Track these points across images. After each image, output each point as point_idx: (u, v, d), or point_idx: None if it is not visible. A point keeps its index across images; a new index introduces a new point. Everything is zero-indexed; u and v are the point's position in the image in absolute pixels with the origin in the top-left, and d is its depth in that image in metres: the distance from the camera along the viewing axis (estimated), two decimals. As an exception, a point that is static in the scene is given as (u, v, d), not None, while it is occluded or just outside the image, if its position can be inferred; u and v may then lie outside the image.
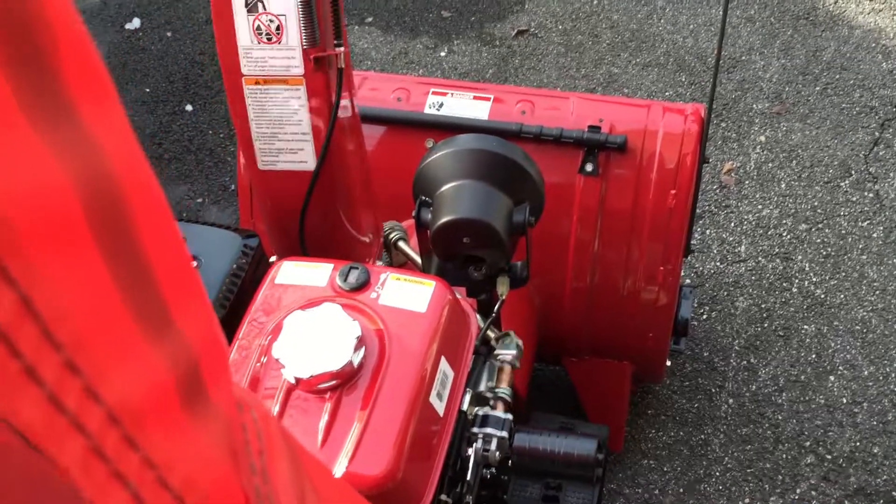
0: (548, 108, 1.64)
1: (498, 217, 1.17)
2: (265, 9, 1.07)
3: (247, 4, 1.06)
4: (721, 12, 1.45)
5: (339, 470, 0.99)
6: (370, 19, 3.12)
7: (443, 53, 2.97)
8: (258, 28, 1.08)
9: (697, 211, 2.33)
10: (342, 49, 1.15)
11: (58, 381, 0.21)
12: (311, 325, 1.05)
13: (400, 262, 1.51)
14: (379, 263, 1.49)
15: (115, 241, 0.23)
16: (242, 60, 1.11)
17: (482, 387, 1.27)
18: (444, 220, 1.17)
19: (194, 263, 1.21)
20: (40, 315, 0.20)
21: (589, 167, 1.58)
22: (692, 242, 1.69)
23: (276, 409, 1.04)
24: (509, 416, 1.15)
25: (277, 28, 1.09)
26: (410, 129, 1.66)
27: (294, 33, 1.10)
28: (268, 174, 1.28)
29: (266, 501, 0.31)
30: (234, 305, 1.20)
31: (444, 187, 1.21)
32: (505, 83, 2.83)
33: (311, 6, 1.08)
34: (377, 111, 1.66)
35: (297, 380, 1.02)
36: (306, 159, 1.28)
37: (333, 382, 1.03)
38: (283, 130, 1.27)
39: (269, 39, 1.09)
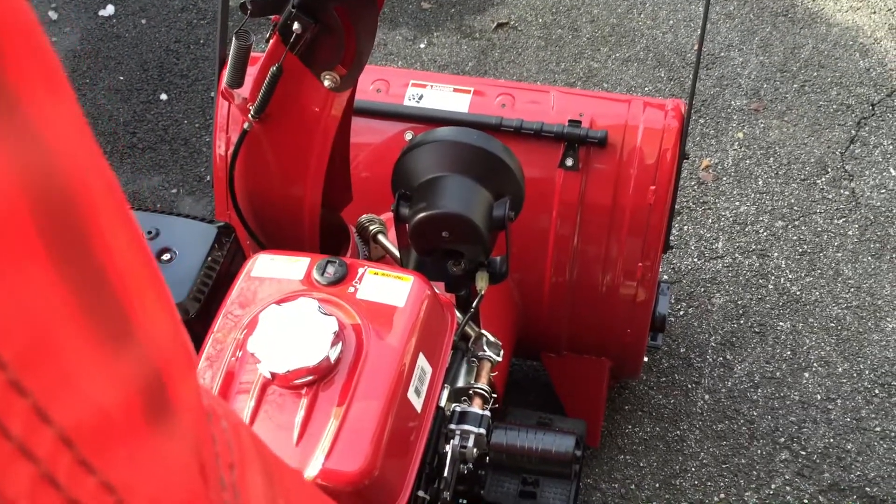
0: (528, 102, 1.63)
1: (478, 211, 1.16)
2: None
3: None
4: (702, 8, 1.44)
5: (315, 466, 0.97)
6: (349, 10, 3.09)
7: (422, 45, 2.95)
8: None
9: (676, 207, 2.34)
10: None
11: (1, 404, 0.19)
12: (287, 320, 1.03)
13: (378, 256, 1.49)
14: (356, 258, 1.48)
15: (67, 245, 0.21)
16: None
17: (460, 383, 1.26)
18: (423, 214, 1.16)
19: (167, 256, 1.19)
20: None
21: (569, 162, 1.57)
22: (671, 239, 1.69)
23: (251, 405, 1.02)
24: (487, 413, 1.14)
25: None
26: (390, 121, 1.64)
27: None
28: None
29: None
30: (208, 298, 1.18)
31: (423, 180, 1.20)
32: (485, 76, 2.82)
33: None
34: (356, 102, 1.64)
35: (273, 375, 1.00)
36: None
37: (310, 378, 1.01)
38: None
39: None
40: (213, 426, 0.30)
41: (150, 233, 1.21)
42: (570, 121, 1.57)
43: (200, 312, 1.17)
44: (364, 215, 1.50)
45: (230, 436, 0.31)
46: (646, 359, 1.88)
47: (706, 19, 1.45)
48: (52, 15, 3.04)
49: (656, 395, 1.99)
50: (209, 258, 1.20)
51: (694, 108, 2.63)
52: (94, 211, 0.22)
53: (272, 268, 1.14)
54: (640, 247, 1.59)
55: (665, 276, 2.20)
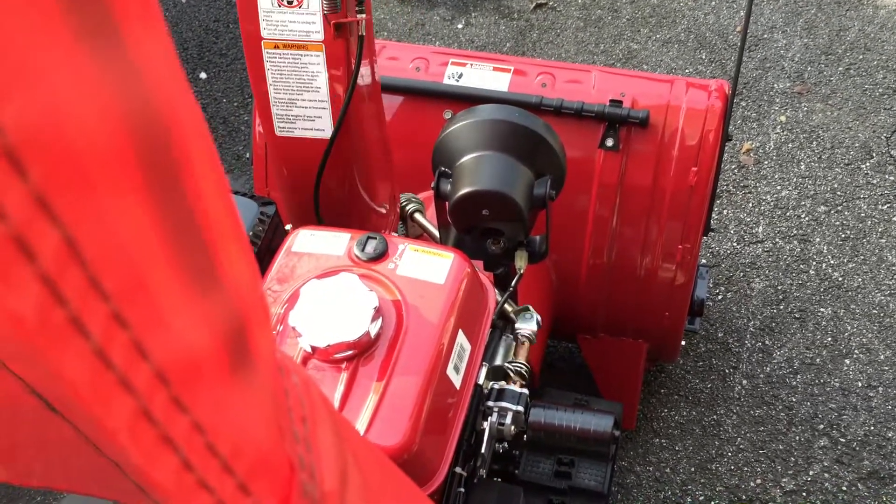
0: (569, 81, 1.61)
1: (519, 190, 1.15)
2: None
3: None
4: None
5: (354, 440, 0.98)
6: (387, -11, 3.08)
7: (460, 26, 2.93)
8: None
9: (716, 190, 2.31)
10: (364, 16, 1.12)
11: (105, 333, 0.19)
12: (328, 295, 1.03)
13: (416, 234, 1.49)
14: (395, 235, 1.48)
15: (163, 181, 0.20)
16: (262, 23, 1.09)
17: (498, 361, 1.26)
18: (463, 191, 1.15)
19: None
20: (87, 260, 0.18)
21: (609, 142, 1.56)
22: (711, 222, 1.66)
23: (291, 378, 1.03)
24: (525, 391, 1.14)
25: (298, -9, 1.07)
26: (429, 100, 1.64)
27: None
28: (284, 141, 1.26)
29: (309, 471, 0.29)
30: (249, 273, 1.18)
31: (465, 158, 1.19)
32: (523, 56, 2.80)
33: None
34: (395, 81, 1.64)
35: (314, 349, 1.01)
36: (323, 127, 1.26)
37: (350, 353, 1.01)
38: (301, 97, 1.25)
39: (290, 3, 1.07)
40: (286, 380, 0.30)
41: (192, 207, 1.22)
42: (611, 101, 1.55)
43: (242, 286, 1.18)
44: (402, 194, 1.50)
45: (301, 391, 0.31)
46: (683, 342, 1.86)
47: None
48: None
49: (693, 380, 1.98)
50: (250, 233, 1.20)
51: (736, 90, 2.59)
52: (187, 150, 0.21)
53: (313, 243, 1.15)
54: (681, 229, 1.57)
55: (703, 260, 2.18)
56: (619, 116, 1.54)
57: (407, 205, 1.48)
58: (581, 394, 1.76)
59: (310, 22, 1.10)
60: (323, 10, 1.10)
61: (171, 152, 0.21)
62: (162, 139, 0.20)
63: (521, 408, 1.12)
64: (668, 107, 1.56)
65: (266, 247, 1.20)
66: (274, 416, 0.27)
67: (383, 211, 1.46)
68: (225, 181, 0.24)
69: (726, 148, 2.42)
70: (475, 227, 1.21)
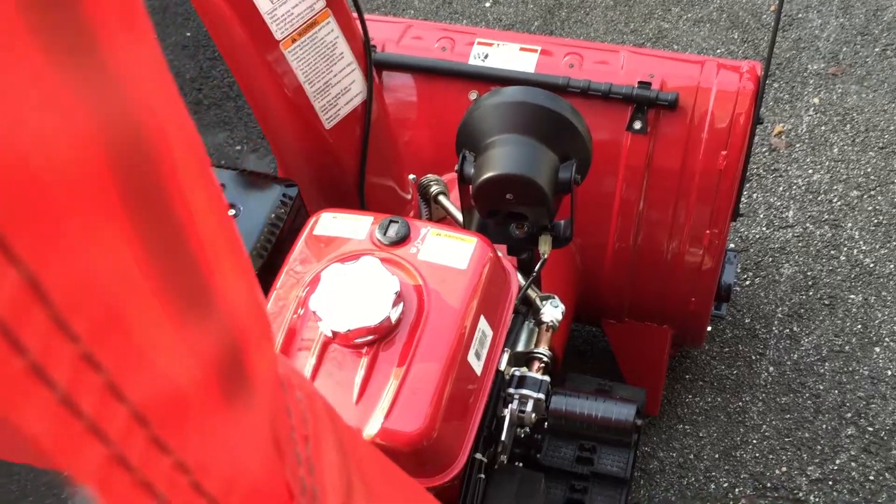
0: (597, 62, 1.58)
1: (543, 174, 1.14)
2: None
3: None
4: None
5: (374, 426, 0.97)
6: (414, -33, 3.05)
7: (487, 4, 2.90)
8: None
9: (746, 174, 2.27)
10: None
11: (73, 380, 0.17)
12: (349, 279, 1.02)
13: (439, 217, 1.48)
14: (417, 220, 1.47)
15: (146, 202, 0.19)
16: (272, 27, 1.08)
17: (520, 347, 1.25)
18: (487, 174, 1.14)
19: (232, 212, 1.19)
20: (51, 300, 0.16)
21: (637, 125, 1.53)
22: (740, 206, 1.63)
23: (312, 362, 1.02)
24: (546, 378, 1.13)
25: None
26: (454, 80, 1.62)
27: None
28: (337, 128, 1.24)
29: (311, 495, 0.27)
30: (271, 256, 1.18)
31: (489, 141, 1.17)
32: (551, 36, 2.76)
33: None
34: (420, 60, 1.62)
35: (335, 333, 1.00)
36: (360, 89, 1.26)
37: (371, 337, 1.01)
38: (331, 73, 1.23)
39: (293, -12, 1.06)
40: (288, 396, 0.28)
41: (215, 188, 1.21)
42: (639, 82, 1.52)
43: (264, 268, 1.18)
44: (426, 176, 1.49)
45: (305, 407, 0.29)
46: (709, 328, 1.84)
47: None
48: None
49: (718, 366, 1.96)
50: (273, 215, 1.20)
51: (768, 72, 2.54)
52: (175, 165, 0.20)
53: (335, 226, 1.14)
54: (709, 213, 1.55)
55: (732, 245, 2.15)
56: (647, 99, 1.51)
57: (430, 187, 1.47)
58: (604, 379, 1.75)
59: None
60: None
61: (155, 170, 0.19)
62: (145, 158, 0.19)
63: (542, 395, 1.11)
64: (698, 89, 1.52)
65: (288, 228, 1.20)
66: (273, 440, 0.26)
67: (408, 197, 1.45)
68: (219, 194, 0.23)
69: (757, 130, 2.38)
70: (499, 212, 1.19)
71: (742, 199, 2.23)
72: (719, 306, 1.88)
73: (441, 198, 1.46)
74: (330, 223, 1.14)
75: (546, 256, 1.24)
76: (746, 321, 2.02)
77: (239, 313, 0.23)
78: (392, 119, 1.67)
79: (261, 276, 1.18)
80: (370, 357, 1.01)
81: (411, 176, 1.49)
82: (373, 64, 1.64)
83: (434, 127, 1.64)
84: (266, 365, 0.25)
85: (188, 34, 2.84)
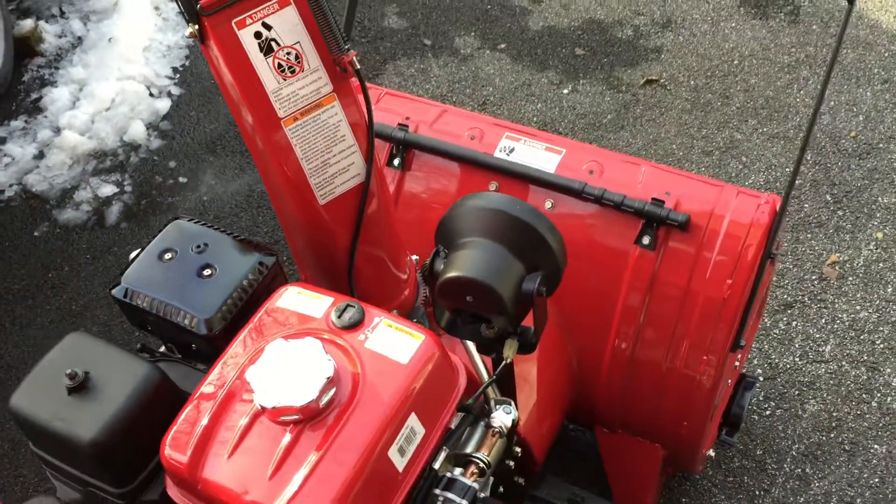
0: (617, 172, 1.59)
1: (505, 283, 1.14)
2: (280, 45, 1.09)
3: (261, 49, 1.08)
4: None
5: (279, 505, 0.99)
6: (503, 46, 3.12)
7: (565, 91, 2.93)
8: (279, 66, 1.10)
9: (787, 299, 2.20)
10: (354, 51, 1.15)
11: None
12: (288, 356, 1.06)
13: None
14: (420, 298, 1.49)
15: None
16: (276, 104, 1.13)
17: (469, 448, 1.24)
18: (450, 274, 1.15)
19: (209, 272, 1.24)
20: None
21: (646, 240, 1.52)
22: (743, 337, 1.58)
23: (241, 427, 1.05)
24: (474, 485, 1.12)
25: (297, 57, 1.10)
26: (476, 169, 1.65)
27: (313, 56, 1.11)
28: (331, 205, 1.27)
29: None
30: (237, 317, 1.23)
31: (461, 241, 1.19)
32: (621, 130, 2.76)
33: (329, 18, 1.09)
34: (447, 146, 1.66)
35: (262, 407, 1.03)
36: (358, 171, 1.29)
37: (296, 416, 1.03)
38: (331, 153, 1.28)
39: (293, 72, 1.11)
40: None
41: (198, 246, 1.27)
42: (653, 199, 1.51)
43: (227, 329, 1.22)
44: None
45: None
46: (712, 453, 1.78)
47: (821, 98, 1.32)
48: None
49: (719, 495, 1.88)
50: (244, 280, 1.24)
51: (835, 198, 2.46)
52: None
53: (296, 301, 1.17)
54: (708, 340, 1.51)
55: (758, 371, 2.08)
56: (657, 216, 1.50)
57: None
58: (592, 486, 1.71)
59: (316, 80, 1.14)
60: (333, 54, 1.13)
61: None
62: None
63: (465, 502, 1.10)
64: (711, 213, 1.50)
65: (259, 295, 1.24)
66: None
67: (403, 276, 1.48)
68: None
69: (810, 257, 2.30)
70: (462, 311, 1.21)
71: (779, 324, 2.16)
72: (731, 433, 1.82)
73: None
74: (293, 298, 1.18)
75: (509, 360, 1.24)
76: (758, 453, 1.94)
77: None
78: (416, 196, 1.71)
79: (223, 336, 1.23)
80: (294, 436, 1.03)
81: (414, 257, 1.52)
82: (403, 145, 1.70)
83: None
84: None
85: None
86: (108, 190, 2.80)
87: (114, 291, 1.29)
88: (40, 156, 2.93)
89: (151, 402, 1.14)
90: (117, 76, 3.14)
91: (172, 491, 1.10)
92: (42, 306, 2.49)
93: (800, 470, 1.90)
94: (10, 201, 2.82)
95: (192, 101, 3.10)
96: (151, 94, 3.10)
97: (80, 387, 1.12)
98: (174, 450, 1.06)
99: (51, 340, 1.22)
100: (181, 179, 2.81)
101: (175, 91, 3.13)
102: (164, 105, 3.06)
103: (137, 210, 2.74)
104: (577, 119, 2.83)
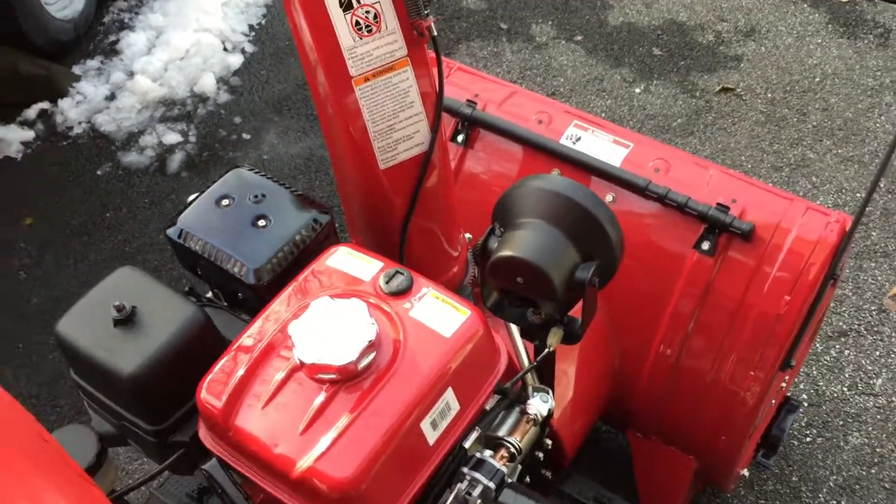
0: (683, 173, 1.55)
1: (558, 268, 1.12)
2: (360, 2, 1.07)
3: (341, 4, 1.06)
4: None
5: (307, 460, 0.98)
6: (579, 37, 3.08)
7: (638, 90, 2.88)
8: (357, 24, 1.09)
9: (843, 327, 2.14)
10: (432, 17, 1.13)
11: None
12: (332, 315, 1.05)
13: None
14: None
15: None
16: (349, 62, 1.11)
17: (502, 431, 1.23)
18: (503, 252, 1.13)
19: (263, 222, 1.24)
20: None
21: (705, 245, 1.48)
22: (793, 357, 1.53)
23: (276, 380, 1.04)
24: (504, 469, 1.10)
25: (375, 17, 1.09)
26: (540, 154, 1.62)
27: (391, 17, 1.10)
28: (391, 171, 1.26)
29: None
30: (285, 272, 1.22)
31: (519, 221, 1.17)
32: (690, 136, 2.71)
33: None
34: (513, 127, 1.64)
35: (301, 362, 1.03)
36: (422, 140, 1.27)
37: (333, 376, 1.02)
38: (398, 119, 1.27)
39: (370, 31, 1.09)
40: None
41: (256, 196, 1.27)
42: (718, 204, 1.47)
43: (274, 281, 1.22)
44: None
45: None
46: (746, 473, 1.74)
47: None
48: None
49: (747, 515, 1.84)
50: (297, 236, 1.24)
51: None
52: None
53: (346, 262, 1.17)
54: (758, 355, 1.47)
55: (804, 396, 2.02)
56: (720, 222, 1.46)
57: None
58: (618, 490, 1.68)
59: (392, 42, 1.12)
60: (410, 17, 1.11)
61: None
62: None
63: (492, 484, 1.08)
64: (777, 226, 1.46)
65: (311, 251, 1.24)
66: None
67: (454, 253, 1.46)
68: None
69: (872, 287, 2.23)
70: (511, 291, 1.19)
71: (831, 352, 2.10)
72: (768, 455, 1.77)
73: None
74: (343, 258, 1.17)
75: (552, 349, 1.22)
76: (794, 479, 1.89)
77: None
78: (475, 176, 1.69)
79: (270, 288, 1.23)
80: (328, 395, 1.03)
81: (467, 235, 1.50)
82: (469, 122, 1.68)
83: (510, 194, 1.64)
84: None
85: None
86: (172, 138, 2.83)
87: (169, 231, 1.29)
88: (111, 97, 2.98)
89: (194, 345, 1.14)
90: (194, 27, 3.17)
91: (204, 434, 1.11)
92: (97, 244, 2.53)
93: (835, 502, 1.85)
94: (78, 138, 2.87)
95: (264, 59, 3.11)
96: (225, 49, 3.13)
97: (127, 320, 1.13)
98: (210, 394, 1.06)
99: (101, 279, 1.23)
100: (244, 136, 2.83)
101: (249, 48, 3.15)
102: (236, 60, 3.09)
103: (199, 161, 2.77)
104: (646, 119, 2.78)
